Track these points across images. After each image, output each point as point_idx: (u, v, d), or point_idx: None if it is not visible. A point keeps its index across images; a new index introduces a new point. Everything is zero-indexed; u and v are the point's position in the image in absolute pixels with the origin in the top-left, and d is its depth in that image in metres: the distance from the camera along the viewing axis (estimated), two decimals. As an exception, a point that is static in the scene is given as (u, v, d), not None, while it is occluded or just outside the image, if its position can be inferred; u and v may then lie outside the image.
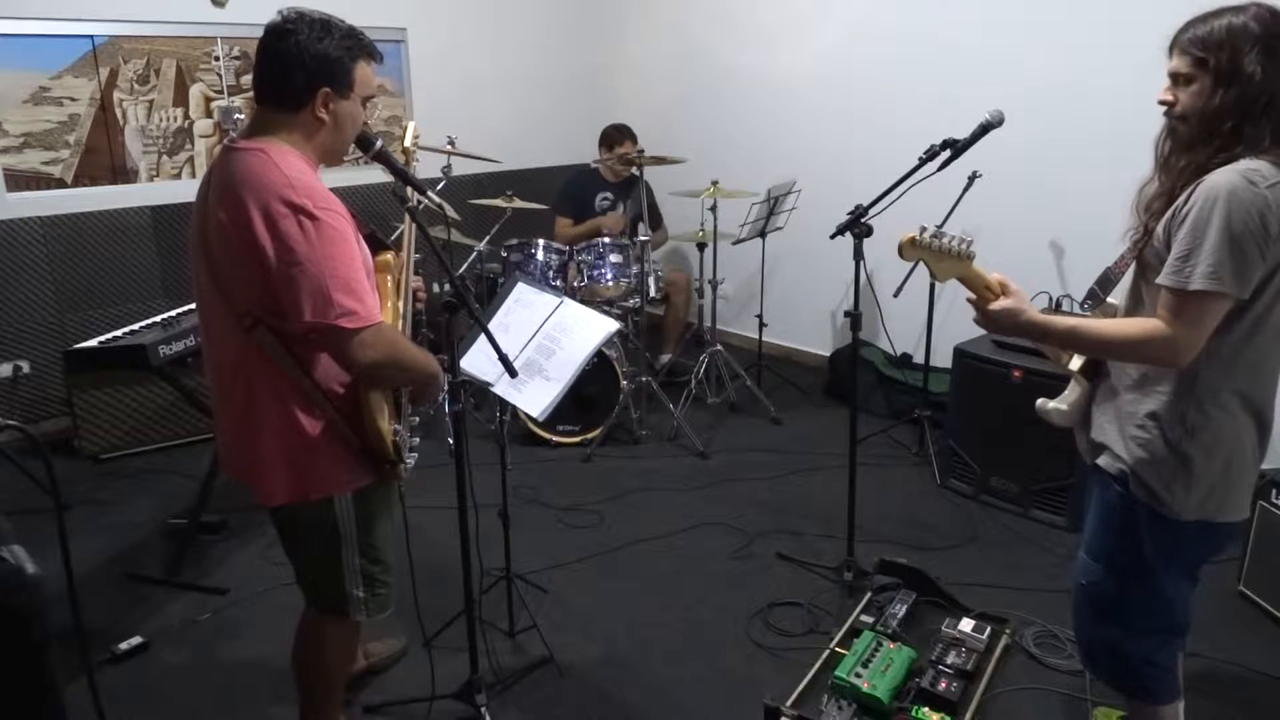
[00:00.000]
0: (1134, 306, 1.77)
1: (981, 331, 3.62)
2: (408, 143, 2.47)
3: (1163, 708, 1.94)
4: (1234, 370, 1.64)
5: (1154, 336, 1.61)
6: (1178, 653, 1.94)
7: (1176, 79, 1.65)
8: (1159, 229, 1.65)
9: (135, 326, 3.29)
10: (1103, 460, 1.81)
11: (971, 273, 1.78)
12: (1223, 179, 1.54)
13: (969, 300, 1.80)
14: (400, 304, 2.02)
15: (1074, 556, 3.06)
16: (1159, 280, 1.61)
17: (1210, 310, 1.57)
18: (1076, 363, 1.92)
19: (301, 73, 1.71)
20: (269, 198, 1.63)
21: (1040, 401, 1.97)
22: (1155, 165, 1.74)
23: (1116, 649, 1.90)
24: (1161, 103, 1.68)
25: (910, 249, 1.77)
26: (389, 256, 2.02)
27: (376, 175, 4.87)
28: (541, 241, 4.35)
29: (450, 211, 2.81)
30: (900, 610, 2.67)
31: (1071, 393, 1.94)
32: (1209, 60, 1.58)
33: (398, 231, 2.19)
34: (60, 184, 4.18)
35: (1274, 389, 1.71)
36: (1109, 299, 1.93)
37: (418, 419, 2.06)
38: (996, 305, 1.75)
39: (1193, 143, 1.62)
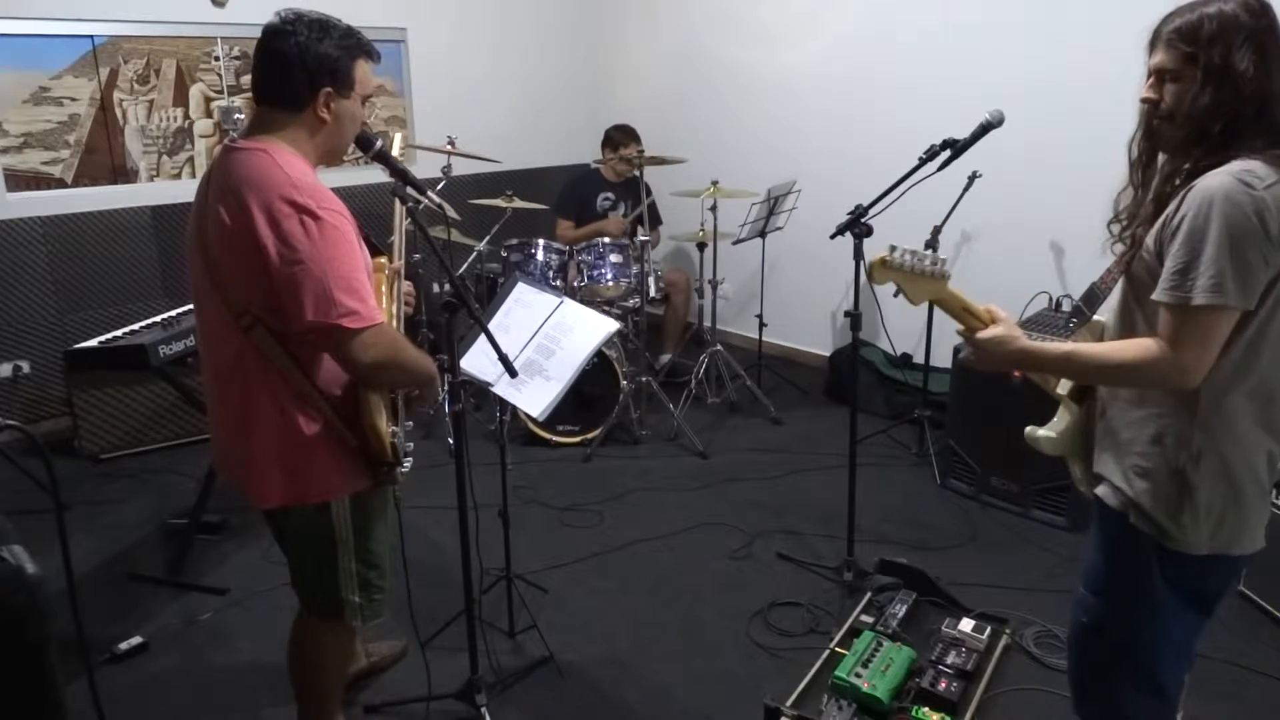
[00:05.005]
0: (1125, 324, 1.62)
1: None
2: (395, 153, 2.46)
3: None
4: (1239, 386, 1.49)
5: (1158, 358, 1.45)
6: (1176, 711, 1.74)
7: (1161, 75, 1.50)
8: (1149, 240, 1.51)
9: (135, 326, 3.29)
10: (1101, 491, 1.65)
11: (947, 293, 1.65)
12: (1216, 182, 1.40)
13: (958, 332, 1.68)
14: (393, 306, 2.02)
15: (1074, 557, 3.11)
16: (1156, 297, 1.46)
17: (1217, 326, 1.42)
18: (1065, 387, 1.78)
19: (303, 73, 1.71)
20: (272, 197, 1.63)
21: (1029, 429, 1.80)
22: (1130, 170, 1.61)
23: (1112, 696, 1.71)
24: (1144, 100, 1.54)
25: (880, 270, 1.63)
26: (382, 259, 2.03)
27: (376, 175, 4.86)
28: (541, 241, 4.35)
29: (450, 211, 2.81)
30: (900, 610, 2.67)
31: (1061, 420, 1.78)
32: (1198, 55, 1.44)
33: (393, 237, 2.19)
34: (60, 184, 4.18)
35: None
36: (1095, 316, 1.77)
37: (412, 423, 2.06)
38: (985, 334, 1.63)
39: (1180, 145, 1.49)
